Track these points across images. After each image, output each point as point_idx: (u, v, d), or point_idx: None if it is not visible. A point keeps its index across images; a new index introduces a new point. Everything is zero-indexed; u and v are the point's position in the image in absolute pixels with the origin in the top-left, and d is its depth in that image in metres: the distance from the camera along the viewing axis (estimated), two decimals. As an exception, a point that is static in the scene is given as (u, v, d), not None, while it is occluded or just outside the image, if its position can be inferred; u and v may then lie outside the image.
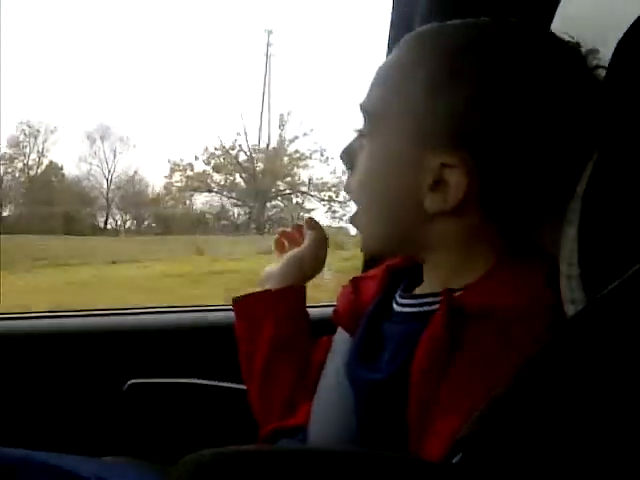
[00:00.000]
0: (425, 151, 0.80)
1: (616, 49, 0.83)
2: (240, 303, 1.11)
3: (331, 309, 1.02)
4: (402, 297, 0.90)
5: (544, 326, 0.69)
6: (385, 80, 0.86)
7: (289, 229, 1.18)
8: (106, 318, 1.44)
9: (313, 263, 1.13)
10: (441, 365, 0.76)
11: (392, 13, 1.24)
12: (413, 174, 0.81)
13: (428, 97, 0.79)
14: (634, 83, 0.86)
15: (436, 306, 0.81)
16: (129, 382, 1.26)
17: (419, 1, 1.15)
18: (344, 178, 0.99)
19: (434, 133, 0.79)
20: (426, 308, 0.84)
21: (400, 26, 1.21)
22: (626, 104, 0.73)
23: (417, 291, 0.90)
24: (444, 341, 0.77)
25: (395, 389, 0.80)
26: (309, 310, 1.14)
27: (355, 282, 0.99)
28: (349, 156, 0.90)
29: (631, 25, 0.85)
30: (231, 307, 1.12)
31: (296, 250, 1.14)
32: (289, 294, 1.10)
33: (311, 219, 1.15)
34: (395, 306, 0.90)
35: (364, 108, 0.86)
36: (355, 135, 0.89)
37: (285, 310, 1.09)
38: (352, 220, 0.92)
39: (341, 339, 0.98)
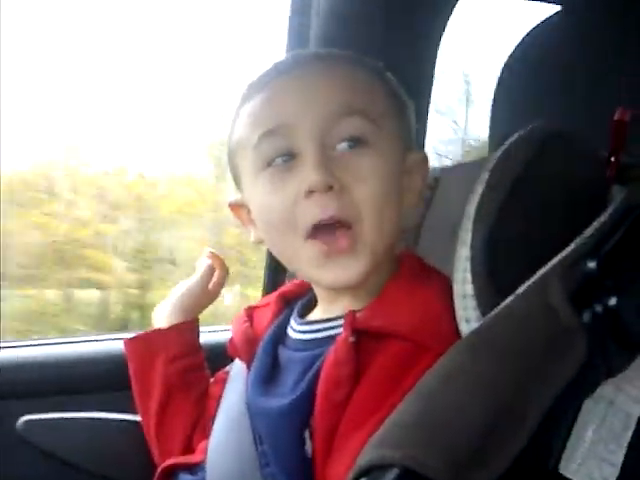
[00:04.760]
0: (404, 153, 0.86)
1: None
2: (130, 344, 1.10)
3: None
4: (299, 324, 0.89)
5: (441, 344, 0.69)
6: (374, 98, 0.85)
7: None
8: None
9: (201, 295, 1.13)
10: (346, 389, 0.76)
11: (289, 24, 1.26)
12: (400, 176, 0.85)
13: (405, 110, 0.89)
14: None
15: (337, 330, 0.81)
16: (23, 419, 1.21)
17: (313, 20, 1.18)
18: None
19: (405, 136, 0.87)
20: (327, 333, 0.84)
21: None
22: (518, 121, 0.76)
23: (312, 316, 0.90)
24: (348, 365, 0.77)
25: (298, 415, 0.79)
26: (208, 335, 1.13)
27: (249, 311, 0.98)
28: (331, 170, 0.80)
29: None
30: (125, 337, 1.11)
31: (185, 281, 1.13)
32: (178, 331, 1.09)
33: (210, 251, 1.15)
34: (291, 333, 0.90)
35: (367, 114, 0.82)
36: (345, 141, 0.82)
37: (176, 347, 1.08)
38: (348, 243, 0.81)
39: (238, 370, 0.97)
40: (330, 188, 0.79)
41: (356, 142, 0.82)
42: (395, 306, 0.81)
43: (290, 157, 0.82)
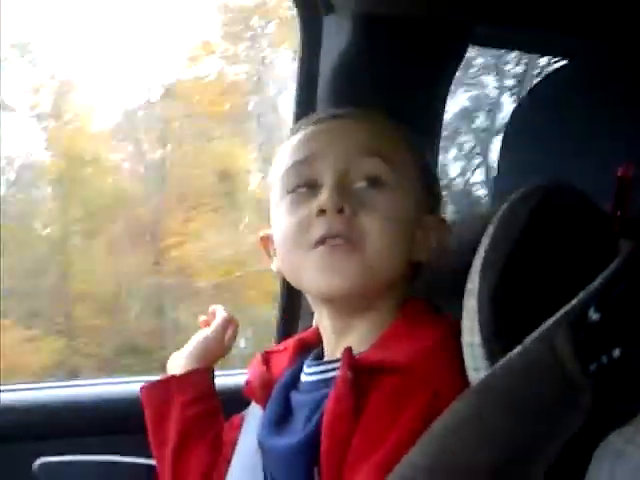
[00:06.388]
0: (421, 211, 0.91)
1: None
2: (146, 390, 1.11)
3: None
4: (309, 366, 0.92)
5: (438, 380, 0.76)
6: (396, 148, 0.92)
7: (207, 316, 1.19)
8: (12, 393, 1.38)
9: (218, 345, 1.15)
10: (348, 424, 0.79)
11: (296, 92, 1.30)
12: (412, 225, 0.89)
13: (422, 175, 0.93)
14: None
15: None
16: (39, 461, 1.22)
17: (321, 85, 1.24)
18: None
19: (426, 199, 0.92)
20: (332, 374, 0.86)
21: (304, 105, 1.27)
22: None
23: (324, 359, 0.92)
24: (348, 400, 0.79)
25: (307, 453, 0.81)
26: (224, 379, 1.14)
27: (266, 355, 1.00)
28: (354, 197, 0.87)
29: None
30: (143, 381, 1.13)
31: (201, 332, 1.15)
32: (194, 377, 1.10)
33: (218, 307, 1.18)
34: (303, 376, 0.92)
35: (389, 159, 0.89)
36: (364, 180, 0.88)
37: (192, 392, 1.09)
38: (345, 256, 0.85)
39: (254, 413, 0.99)
40: (340, 211, 0.85)
41: (374, 183, 0.88)
42: (393, 343, 0.84)
43: (312, 187, 0.89)
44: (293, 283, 0.94)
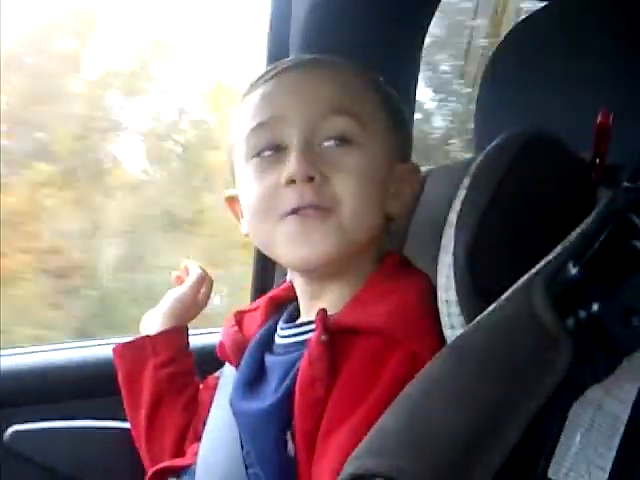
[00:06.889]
0: (393, 161, 0.88)
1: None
2: (119, 351, 1.10)
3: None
4: (283, 328, 0.90)
5: (414, 340, 0.75)
6: (365, 102, 0.88)
7: (180, 272, 1.17)
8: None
9: (192, 302, 1.13)
10: (322, 387, 0.77)
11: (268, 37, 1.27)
12: (386, 180, 0.86)
13: (400, 122, 0.91)
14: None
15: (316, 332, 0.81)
16: (11, 429, 1.20)
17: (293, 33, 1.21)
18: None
19: (397, 147, 0.89)
20: (306, 336, 0.84)
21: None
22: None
23: (298, 321, 0.90)
24: (322, 363, 0.78)
25: (279, 417, 0.80)
26: (199, 337, 1.15)
27: (238, 316, 0.98)
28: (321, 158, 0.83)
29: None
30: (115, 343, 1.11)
31: (175, 290, 1.13)
32: (169, 336, 1.09)
33: (192, 263, 1.16)
34: (277, 338, 0.90)
35: (356, 116, 0.85)
36: (331, 139, 0.84)
37: (165, 353, 1.08)
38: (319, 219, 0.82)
39: (229, 374, 0.97)
40: (311, 179, 0.82)
41: (342, 141, 0.84)
42: (368, 303, 0.82)
43: (278, 150, 0.85)
44: (265, 252, 0.92)
